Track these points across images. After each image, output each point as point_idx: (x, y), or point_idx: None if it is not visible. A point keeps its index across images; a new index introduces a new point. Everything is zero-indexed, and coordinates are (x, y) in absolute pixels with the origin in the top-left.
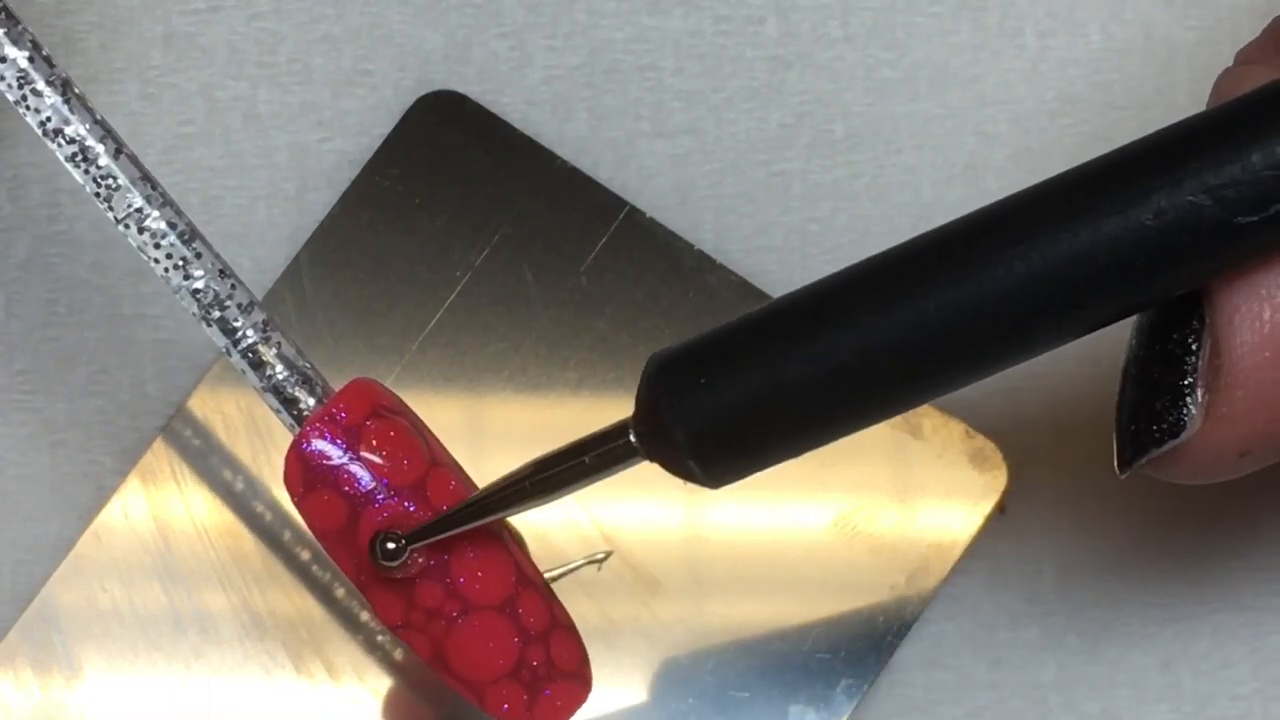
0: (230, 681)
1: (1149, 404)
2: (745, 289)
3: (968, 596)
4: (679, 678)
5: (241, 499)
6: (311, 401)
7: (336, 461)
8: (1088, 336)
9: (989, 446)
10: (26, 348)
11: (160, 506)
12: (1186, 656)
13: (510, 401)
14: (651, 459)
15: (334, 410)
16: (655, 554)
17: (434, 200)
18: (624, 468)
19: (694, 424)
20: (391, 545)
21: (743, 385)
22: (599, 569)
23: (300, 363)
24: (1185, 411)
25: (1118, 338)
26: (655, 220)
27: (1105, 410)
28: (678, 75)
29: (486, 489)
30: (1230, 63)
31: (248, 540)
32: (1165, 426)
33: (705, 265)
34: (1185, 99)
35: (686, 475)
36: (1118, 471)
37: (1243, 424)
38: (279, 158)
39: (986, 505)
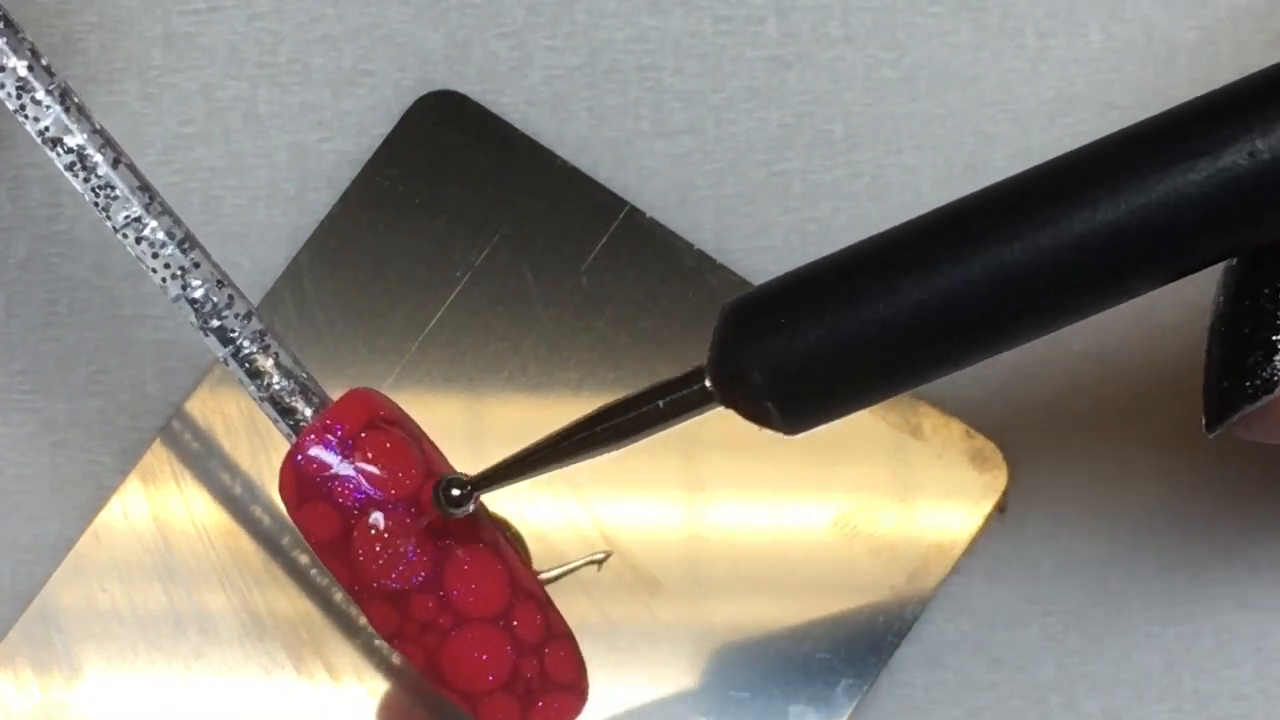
0: (230, 681)
1: (1240, 360)
2: (745, 289)
3: (968, 596)
4: (679, 678)
5: (241, 500)
6: (309, 411)
7: (331, 473)
8: (1087, 337)
9: (989, 446)
10: (26, 348)
11: (160, 506)
12: (1189, 656)
13: (510, 401)
14: (726, 404)
15: (329, 421)
16: (655, 554)
17: (434, 200)
18: (698, 413)
19: (772, 364)
20: (456, 491)
21: (822, 326)
22: (599, 569)
23: (298, 372)
24: (1279, 366)
25: (1119, 338)
26: (655, 220)
27: (1105, 410)
28: (678, 75)
29: (556, 433)
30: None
31: (248, 540)
32: (1259, 382)
33: (705, 265)
34: (1185, 99)
35: (763, 419)
36: (1205, 431)
37: None
38: (279, 158)
39: (986, 505)
